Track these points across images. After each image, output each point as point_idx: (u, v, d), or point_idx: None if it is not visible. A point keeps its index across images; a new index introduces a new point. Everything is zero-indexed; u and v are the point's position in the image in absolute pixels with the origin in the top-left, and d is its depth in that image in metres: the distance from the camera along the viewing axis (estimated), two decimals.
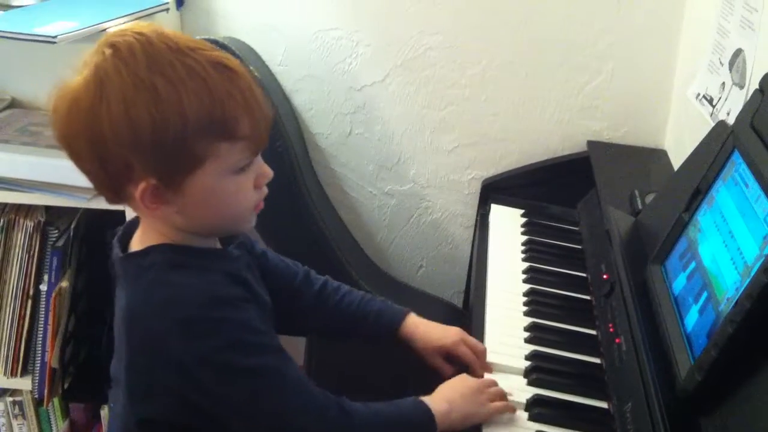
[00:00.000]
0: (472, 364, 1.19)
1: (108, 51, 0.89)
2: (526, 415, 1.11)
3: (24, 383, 1.76)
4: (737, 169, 1.04)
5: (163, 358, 0.91)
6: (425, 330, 1.21)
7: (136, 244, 1.00)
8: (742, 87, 1.30)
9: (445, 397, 1.08)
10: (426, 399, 1.07)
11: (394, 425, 1.05)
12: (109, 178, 0.92)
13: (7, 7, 1.69)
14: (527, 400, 1.12)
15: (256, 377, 0.94)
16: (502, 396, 1.11)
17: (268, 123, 0.95)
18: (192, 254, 0.97)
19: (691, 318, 0.99)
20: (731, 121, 1.22)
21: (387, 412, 1.05)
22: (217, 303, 0.93)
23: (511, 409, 1.11)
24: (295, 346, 1.88)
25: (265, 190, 0.99)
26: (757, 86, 1.12)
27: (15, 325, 1.71)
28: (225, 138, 0.90)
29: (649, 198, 1.40)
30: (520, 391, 1.15)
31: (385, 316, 1.23)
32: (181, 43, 0.90)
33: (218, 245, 1.04)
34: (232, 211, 0.97)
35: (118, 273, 1.00)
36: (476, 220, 1.80)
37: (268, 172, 0.98)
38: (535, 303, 1.36)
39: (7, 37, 1.48)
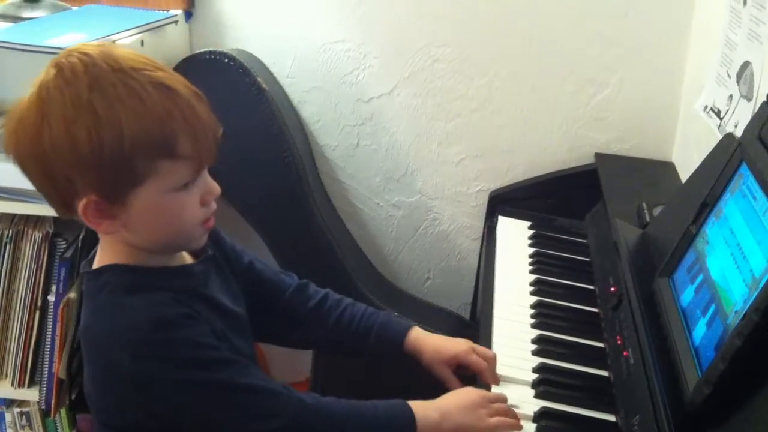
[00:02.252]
0: (483, 372, 1.18)
1: (52, 71, 0.92)
2: (533, 427, 1.10)
3: (31, 394, 1.76)
4: (745, 181, 1.03)
5: (118, 376, 0.94)
6: (435, 342, 1.20)
7: (96, 260, 1.02)
8: (749, 99, 1.30)
9: (440, 407, 1.07)
10: (415, 404, 1.06)
11: (369, 419, 1.04)
12: (56, 192, 0.95)
13: (18, 19, 1.70)
14: (534, 413, 1.12)
15: (208, 389, 0.95)
16: (507, 412, 1.10)
17: (213, 140, 0.96)
18: (142, 274, 0.98)
19: (699, 331, 0.99)
20: (739, 133, 1.21)
21: (363, 408, 1.04)
22: (163, 325, 0.94)
23: (515, 426, 1.09)
24: (301, 356, 1.89)
25: (214, 206, 1.00)
26: (764, 99, 1.12)
27: (22, 336, 1.71)
28: (165, 156, 0.91)
29: (657, 210, 1.40)
30: (528, 403, 1.14)
31: (388, 331, 1.21)
32: (124, 64, 0.91)
33: (184, 260, 1.05)
34: (177, 228, 0.98)
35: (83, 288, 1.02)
36: (483, 232, 1.80)
37: (215, 189, 0.99)
38: (542, 315, 1.35)
39: (18, 49, 1.49)
